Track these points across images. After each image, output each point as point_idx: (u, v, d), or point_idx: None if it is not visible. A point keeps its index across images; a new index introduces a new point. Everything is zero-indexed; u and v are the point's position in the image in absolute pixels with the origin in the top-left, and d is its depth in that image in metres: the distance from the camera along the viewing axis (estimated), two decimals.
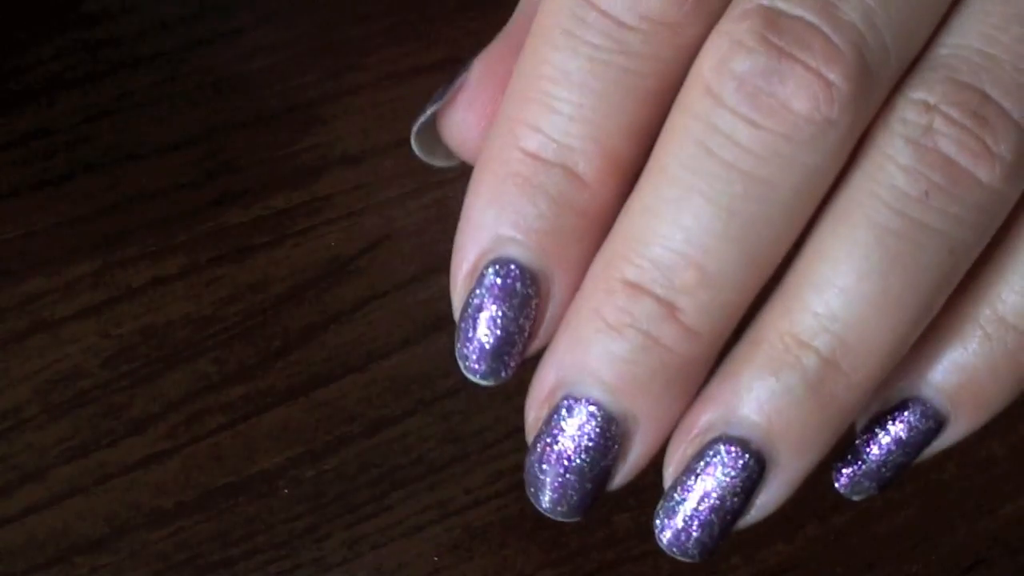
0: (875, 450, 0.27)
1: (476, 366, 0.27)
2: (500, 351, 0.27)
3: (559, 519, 0.27)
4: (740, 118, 0.25)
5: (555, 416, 0.26)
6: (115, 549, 0.28)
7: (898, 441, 0.27)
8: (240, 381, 0.31)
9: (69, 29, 0.37)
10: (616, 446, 0.26)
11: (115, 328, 0.31)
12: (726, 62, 0.25)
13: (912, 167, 0.25)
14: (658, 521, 0.26)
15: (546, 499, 0.26)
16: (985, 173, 0.25)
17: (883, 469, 0.27)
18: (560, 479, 0.26)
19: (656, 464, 0.30)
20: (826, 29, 0.25)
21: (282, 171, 0.34)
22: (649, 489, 0.29)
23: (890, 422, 0.27)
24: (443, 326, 0.32)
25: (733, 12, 0.25)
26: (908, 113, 0.25)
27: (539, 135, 0.26)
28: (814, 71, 0.25)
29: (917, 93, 0.25)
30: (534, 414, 0.26)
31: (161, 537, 0.28)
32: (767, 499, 0.26)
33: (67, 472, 0.29)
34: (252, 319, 0.32)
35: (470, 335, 0.27)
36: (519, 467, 0.29)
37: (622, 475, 0.26)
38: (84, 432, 0.30)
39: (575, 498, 0.26)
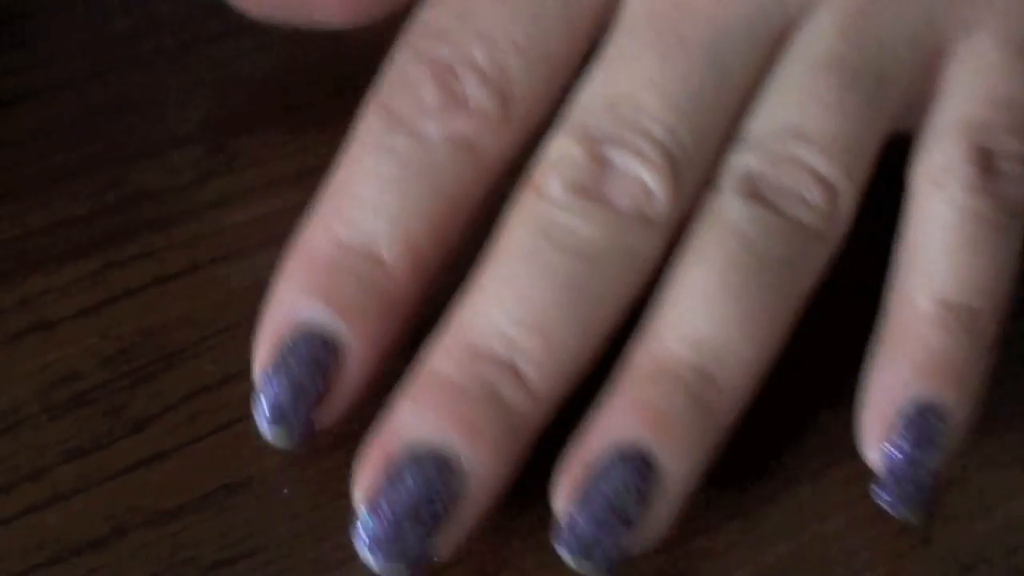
0: (903, 467, 0.29)
1: (270, 419, 0.28)
2: (295, 409, 0.28)
3: (391, 572, 0.27)
4: (573, 212, 0.28)
5: (394, 471, 0.27)
6: (115, 549, 0.28)
7: (918, 446, 0.28)
8: (240, 381, 0.31)
9: (68, 28, 0.37)
10: (454, 495, 0.27)
11: (115, 328, 0.31)
12: (557, 172, 0.28)
13: (749, 214, 0.29)
14: (560, 543, 0.28)
15: (383, 556, 0.27)
16: (808, 218, 0.29)
17: (921, 479, 0.29)
18: (400, 531, 0.27)
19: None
20: (640, 146, 0.28)
21: (282, 171, 0.35)
22: None
23: (902, 436, 0.29)
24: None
25: (556, 135, 0.29)
26: (734, 181, 0.29)
27: (348, 224, 0.29)
28: (634, 178, 0.28)
29: (738, 165, 0.29)
30: (369, 478, 0.27)
31: (161, 537, 0.28)
32: (659, 508, 0.27)
33: (67, 472, 0.29)
34: (252, 319, 0.32)
35: (267, 393, 0.28)
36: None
37: (453, 531, 0.27)
38: (84, 432, 0.30)
39: (412, 550, 0.27)
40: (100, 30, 0.37)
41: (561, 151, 0.29)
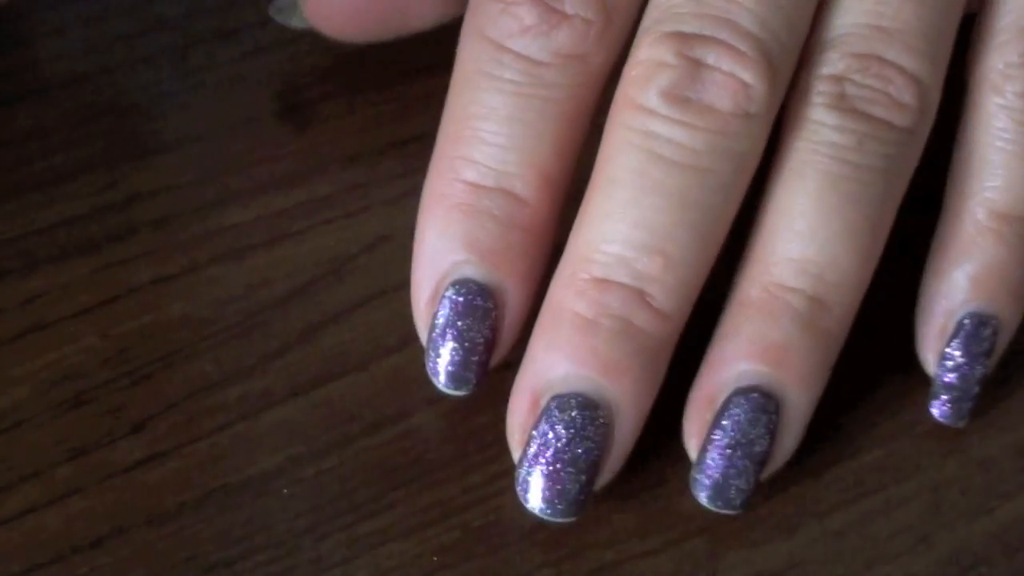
0: (955, 376, 0.30)
1: (447, 380, 0.29)
2: (468, 362, 0.29)
3: (556, 519, 0.28)
4: (675, 123, 0.28)
5: (543, 417, 0.27)
6: (115, 549, 0.28)
7: (970, 356, 0.30)
8: (239, 381, 0.31)
9: (68, 28, 0.37)
10: (604, 433, 0.28)
11: (115, 328, 0.31)
12: (651, 81, 0.28)
13: (841, 125, 0.28)
14: (696, 485, 0.29)
15: (542, 500, 0.28)
16: (899, 119, 0.29)
17: (971, 386, 0.30)
18: (555, 476, 0.28)
19: (653, 467, 0.30)
20: (731, 40, 0.28)
21: (282, 171, 0.35)
22: (649, 489, 0.30)
23: (957, 345, 0.30)
24: None
25: (645, 40, 0.28)
26: (823, 87, 0.29)
27: (477, 166, 0.29)
28: (728, 75, 0.28)
29: (825, 70, 0.29)
30: (520, 427, 0.28)
31: (161, 537, 0.28)
32: (786, 440, 0.29)
33: (67, 472, 0.29)
34: (252, 319, 0.32)
35: (439, 352, 0.29)
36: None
37: (611, 464, 0.28)
38: (84, 432, 0.30)
39: (571, 493, 0.28)
40: (100, 30, 0.37)
41: (654, 57, 0.28)
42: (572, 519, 0.28)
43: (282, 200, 0.34)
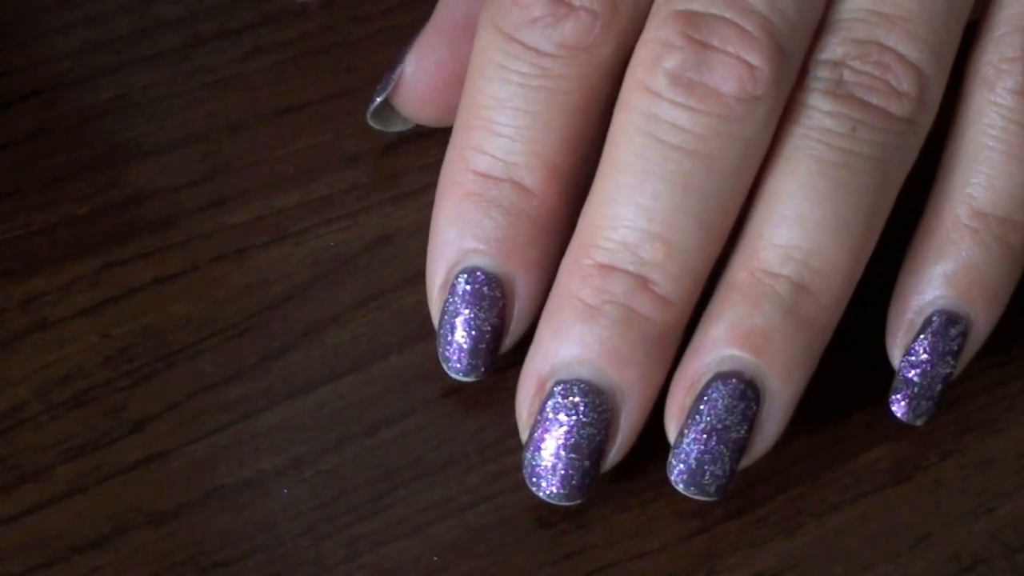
0: (918, 372, 0.30)
1: (457, 365, 0.30)
2: (476, 349, 0.29)
3: (562, 503, 0.28)
4: (679, 106, 0.27)
5: (548, 404, 0.28)
6: (115, 549, 0.28)
7: (935, 354, 0.29)
8: (240, 381, 0.31)
9: (69, 29, 0.37)
10: (607, 419, 0.28)
11: (115, 328, 0.31)
12: (658, 62, 0.28)
13: (836, 111, 0.28)
14: (671, 470, 0.29)
15: (548, 485, 0.28)
16: (896, 107, 0.28)
17: (933, 385, 0.30)
18: (559, 461, 0.28)
19: (654, 467, 0.30)
20: (739, 20, 0.28)
21: (282, 171, 0.35)
22: (650, 489, 0.30)
23: (923, 341, 0.29)
24: None
25: (654, 21, 0.28)
26: (821, 72, 0.28)
27: (486, 156, 0.29)
28: (735, 57, 0.28)
29: (824, 55, 0.29)
30: (527, 409, 0.29)
31: (161, 537, 0.28)
32: (766, 429, 0.29)
33: (67, 472, 0.29)
34: (252, 319, 0.32)
35: (449, 339, 0.30)
36: (519, 466, 0.30)
37: (616, 450, 0.29)
38: (84, 432, 0.30)
39: (575, 478, 0.28)
40: (100, 30, 0.37)
41: (661, 37, 0.28)
42: (577, 502, 0.28)
43: (282, 200, 0.34)
